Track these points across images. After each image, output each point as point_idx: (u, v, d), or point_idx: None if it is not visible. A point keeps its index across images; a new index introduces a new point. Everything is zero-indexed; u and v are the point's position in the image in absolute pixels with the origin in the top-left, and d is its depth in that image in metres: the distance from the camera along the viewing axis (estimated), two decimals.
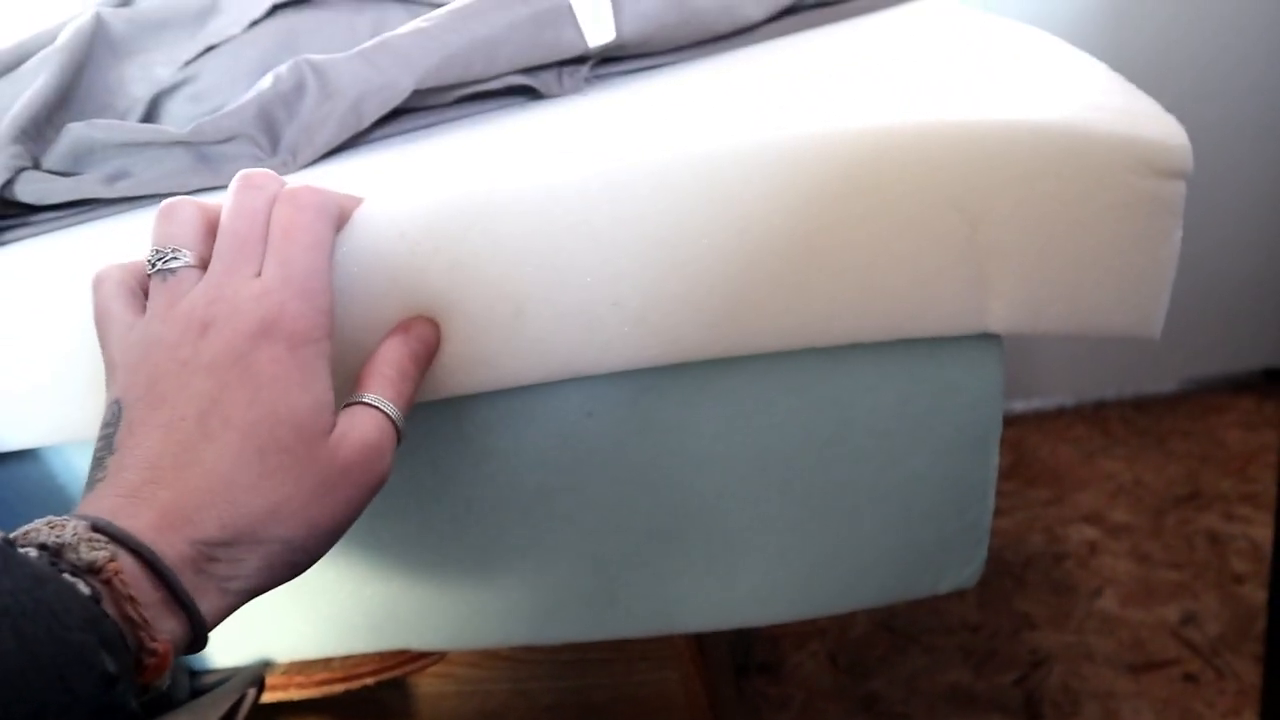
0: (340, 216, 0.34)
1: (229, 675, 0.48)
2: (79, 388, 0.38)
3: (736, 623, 0.43)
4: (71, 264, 0.39)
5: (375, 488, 0.32)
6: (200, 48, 0.52)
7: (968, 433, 0.39)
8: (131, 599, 0.26)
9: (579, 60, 0.48)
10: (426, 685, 0.52)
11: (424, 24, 0.45)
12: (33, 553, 0.25)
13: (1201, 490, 1.29)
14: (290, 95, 0.43)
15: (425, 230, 0.35)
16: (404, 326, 0.35)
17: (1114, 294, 0.36)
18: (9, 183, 0.43)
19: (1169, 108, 0.36)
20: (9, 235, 0.44)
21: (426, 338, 0.35)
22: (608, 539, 0.42)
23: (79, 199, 0.43)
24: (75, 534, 0.26)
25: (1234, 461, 1.34)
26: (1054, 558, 1.21)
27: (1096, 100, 0.36)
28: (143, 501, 0.28)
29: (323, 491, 0.30)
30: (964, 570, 0.42)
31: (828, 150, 0.33)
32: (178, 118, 0.49)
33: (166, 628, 0.27)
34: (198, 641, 0.28)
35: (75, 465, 0.43)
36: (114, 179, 0.43)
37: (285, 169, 0.43)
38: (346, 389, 0.33)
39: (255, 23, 0.53)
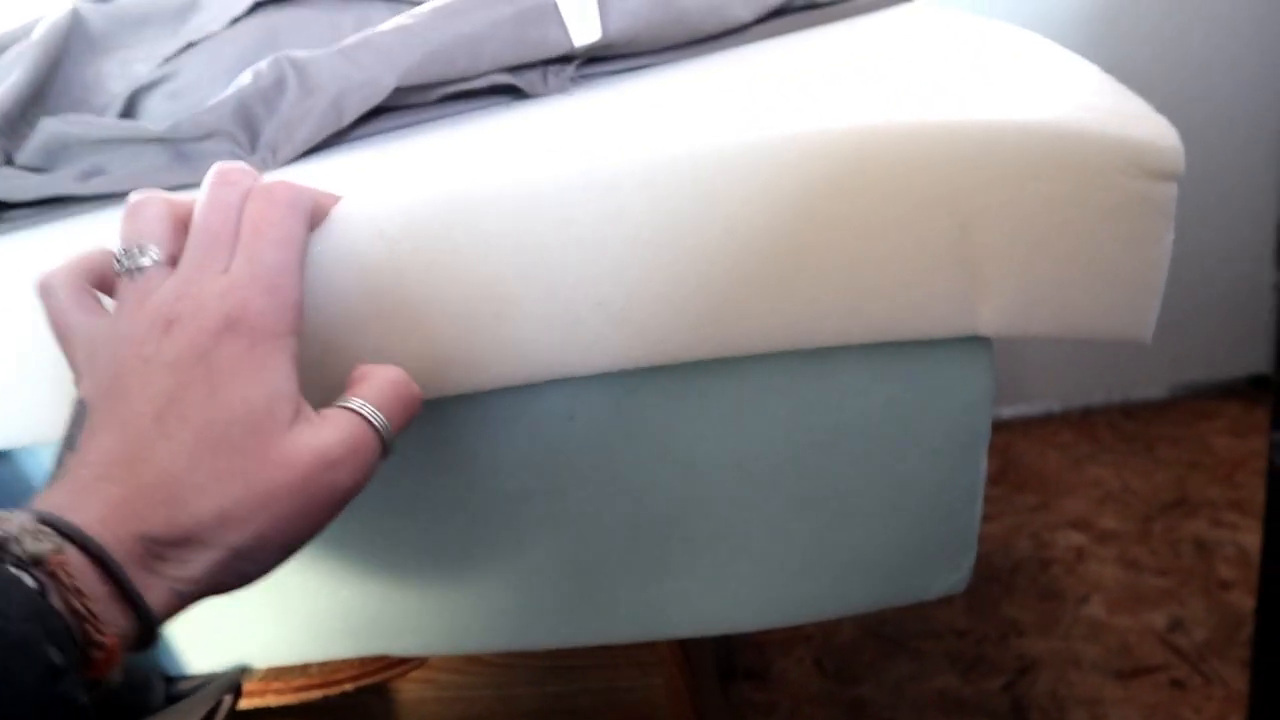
0: (316, 213, 0.33)
1: (204, 681, 0.47)
2: (51, 387, 0.37)
3: (722, 628, 0.43)
4: (43, 263, 0.39)
5: (338, 499, 0.30)
6: (180, 44, 0.51)
7: (957, 437, 0.39)
8: (78, 591, 0.25)
9: (564, 59, 0.48)
10: (407, 691, 0.51)
11: (407, 21, 0.44)
12: None
13: (1189, 497, 1.29)
14: (270, 92, 0.42)
15: (404, 229, 0.34)
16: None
17: (1105, 297, 0.35)
18: None
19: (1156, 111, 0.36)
20: None
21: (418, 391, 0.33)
22: (591, 543, 0.41)
23: (51, 196, 0.43)
24: (20, 526, 0.25)
25: (1221, 468, 1.34)
26: (1041, 564, 1.21)
27: (1087, 101, 0.35)
28: (92, 496, 0.27)
29: (270, 499, 0.28)
30: (953, 575, 0.41)
31: (815, 150, 0.33)
32: (156, 115, 0.48)
33: (114, 622, 0.26)
34: (147, 637, 0.28)
35: (49, 467, 0.43)
36: (88, 176, 0.43)
37: (264, 166, 0.42)
38: (322, 395, 0.32)
39: (236, 20, 0.52)
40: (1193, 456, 1.37)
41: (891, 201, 0.34)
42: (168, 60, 0.50)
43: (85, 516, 0.27)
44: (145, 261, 0.31)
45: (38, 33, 0.49)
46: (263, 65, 0.43)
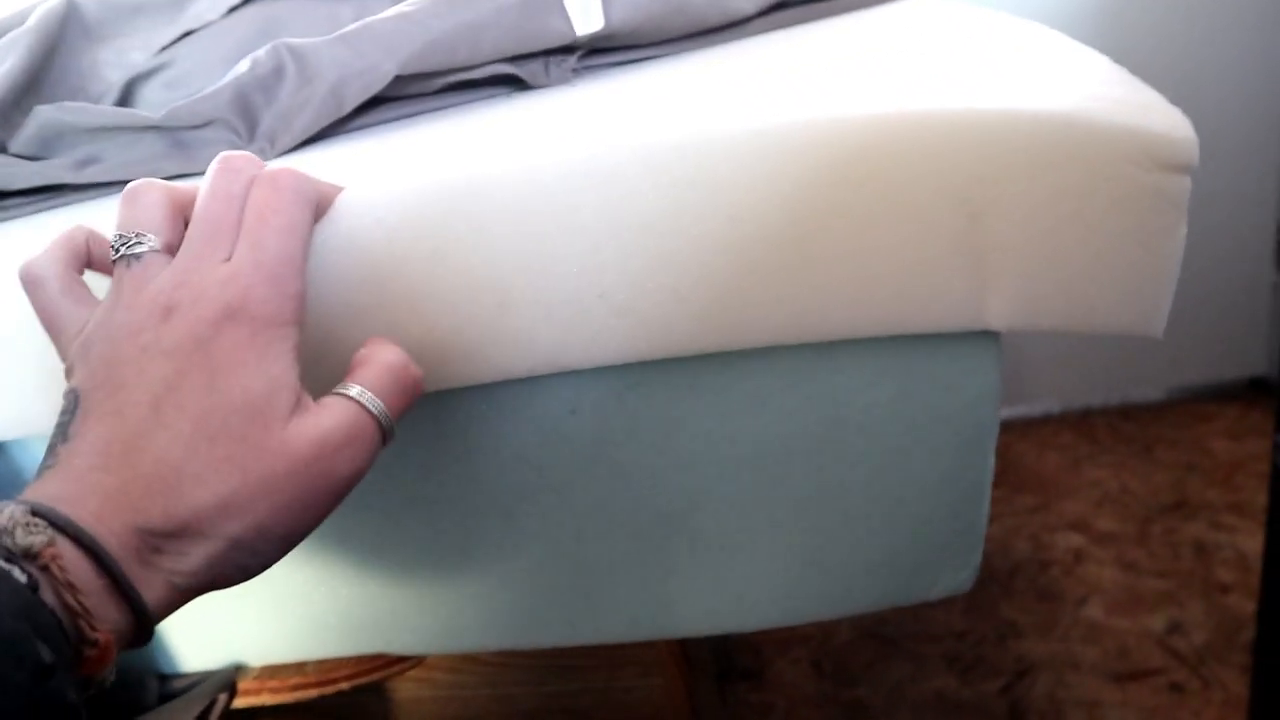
0: (320, 203, 0.33)
1: (199, 680, 0.46)
2: (44, 378, 0.37)
3: (723, 628, 0.42)
4: (37, 251, 0.38)
5: (336, 490, 0.29)
6: (177, 33, 0.50)
7: (964, 433, 0.38)
8: (71, 586, 0.24)
9: (567, 50, 0.47)
10: (404, 690, 0.51)
11: (408, 8, 0.44)
12: None
13: (1188, 499, 1.29)
14: (268, 79, 0.42)
15: (405, 217, 0.33)
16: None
17: (1116, 291, 0.35)
18: None
19: None
20: None
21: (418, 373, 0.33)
22: (591, 540, 0.40)
23: (45, 184, 0.42)
24: (12, 519, 0.24)
25: (1220, 470, 1.34)
26: (1040, 565, 1.21)
27: (1100, 91, 0.35)
28: (87, 487, 0.26)
29: (271, 489, 0.28)
30: (958, 575, 0.41)
31: (823, 138, 0.32)
32: (153, 104, 0.48)
33: (109, 618, 0.26)
34: (143, 633, 0.27)
35: (40, 459, 0.42)
36: (83, 164, 0.42)
37: (262, 155, 0.42)
38: (322, 385, 0.31)
39: (234, 8, 0.52)
40: (1191, 459, 1.37)
41: (900, 191, 0.33)
42: (164, 49, 0.50)
43: (79, 508, 0.26)
44: (142, 249, 0.30)
45: (33, 19, 0.48)
46: (261, 53, 0.42)
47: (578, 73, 0.47)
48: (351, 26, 0.43)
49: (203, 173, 0.33)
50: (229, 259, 0.30)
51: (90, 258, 0.33)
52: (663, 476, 0.39)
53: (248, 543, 0.28)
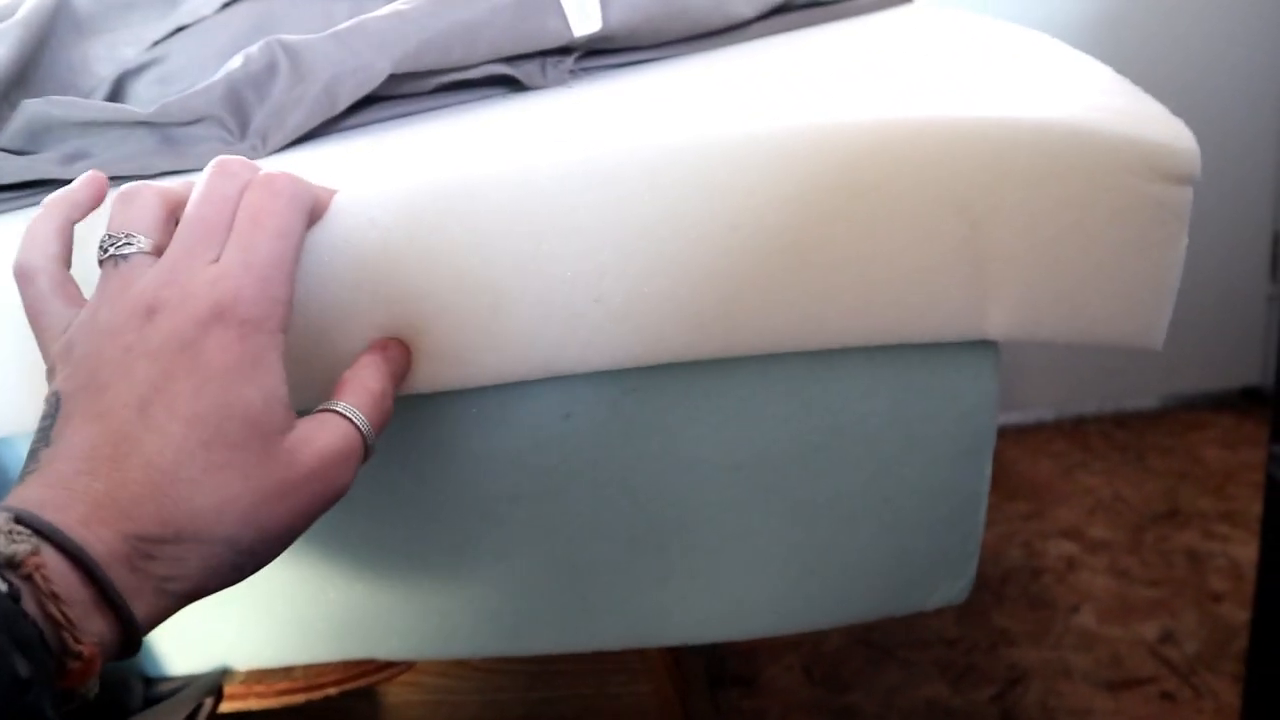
0: (314, 209, 0.32)
1: (185, 683, 0.46)
2: (32, 376, 0.36)
3: (718, 636, 0.42)
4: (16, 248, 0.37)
5: (332, 500, 0.30)
6: (170, 28, 0.50)
7: (961, 442, 0.38)
8: (54, 596, 0.24)
9: (564, 51, 0.47)
10: (393, 695, 0.50)
11: (403, 6, 0.43)
12: None
13: (1180, 507, 1.29)
14: (261, 76, 0.41)
15: (399, 218, 0.33)
16: (380, 345, 0.34)
17: (1116, 301, 0.34)
18: None
19: None
20: None
21: (400, 360, 0.34)
22: (584, 547, 0.40)
23: (33, 180, 0.41)
24: None
25: (1213, 479, 1.34)
26: (1032, 573, 1.20)
27: (1101, 101, 0.35)
28: (74, 493, 0.26)
29: (275, 496, 0.28)
30: (954, 585, 0.41)
31: (824, 144, 0.32)
32: (144, 100, 0.47)
33: (95, 629, 0.25)
34: (130, 645, 0.26)
35: (16, 457, 0.41)
36: (72, 160, 0.41)
37: (254, 153, 0.41)
38: (309, 387, 0.31)
39: (227, 4, 0.51)
40: (1184, 467, 1.37)
41: (900, 199, 0.33)
42: (156, 44, 0.49)
43: (65, 515, 0.25)
44: (130, 249, 0.30)
45: (22, 11, 0.48)
46: (254, 49, 0.42)
47: (575, 74, 0.47)
48: (346, 24, 0.42)
49: (193, 170, 0.32)
50: (217, 260, 0.29)
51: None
52: (658, 483, 0.38)
53: (246, 547, 0.28)
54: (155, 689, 0.46)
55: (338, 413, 0.30)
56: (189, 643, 0.45)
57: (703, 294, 0.33)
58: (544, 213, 0.33)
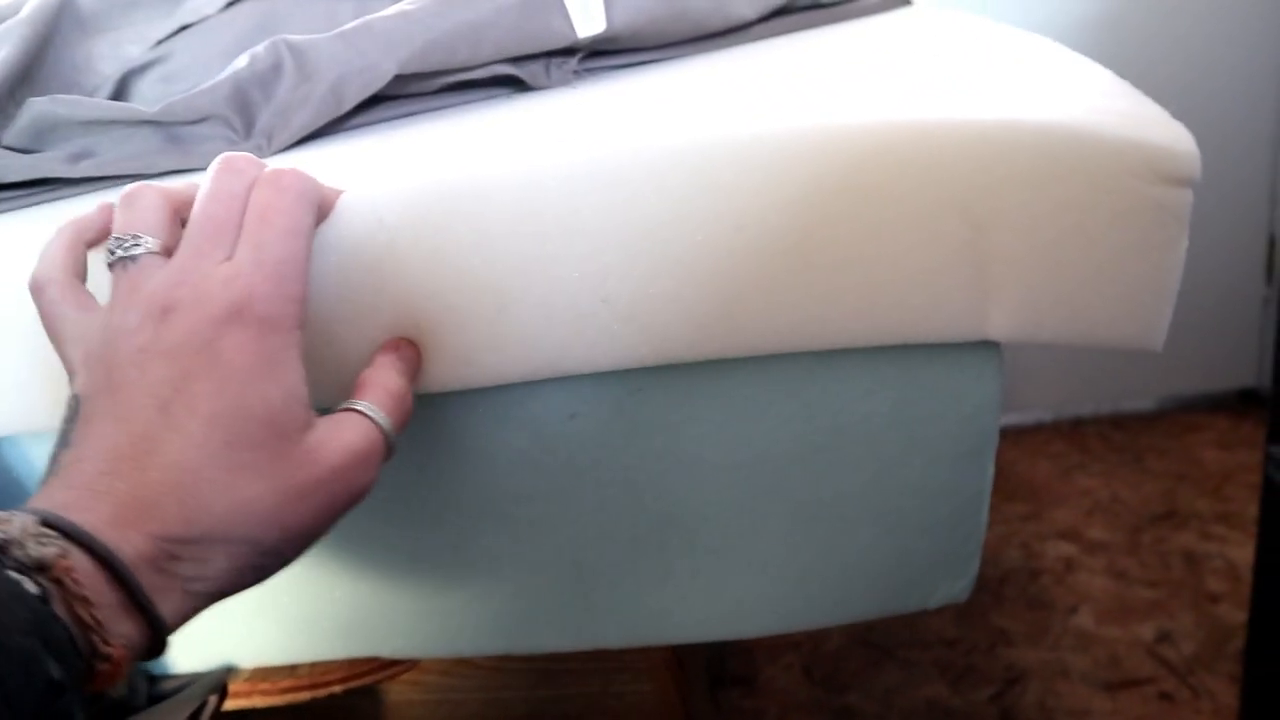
0: (322, 206, 0.32)
1: (189, 681, 0.46)
2: (36, 375, 0.36)
3: (719, 635, 0.42)
4: (28, 247, 0.37)
5: (355, 499, 0.30)
6: (174, 27, 0.50)
7: (964, 443, 0.38)
8: (84, 600, 0.24)
9: (567, 52, 0.47)
10: (396, 693, 0.50)
11: (408, 7, 0.43)
12: None
13: (1178, 509, 1.29)
14: (266, 76, 0.41)
15: (405, 218, 0.33)
16: (393, 345, 0.34)
17: (1117, 304, 0.35)
18: None
19: None
20: None
21: (414, 359, 0.34)
22: (588, 546, 0.40)
23: (38, 178, 0.41)
24: (22, 529, 0.24)
25: (1210, 481, 1.34)
26: (1031, 574, 1.21)
27: (1103, 104, 0.35)
28: (98, 495, 0.26)
29: (298, 495, 0.28)
30: (956, 584, 0.41)
31: (828, 146, 0.32)
32: (148, 98, 0.47)
33: (122, 631, 0.25)
34: (157, 647, 0.26)
35: (31, 457, 0.41)
36: (77, 158, 0.41)
37: (259, 153, 0.41)
38: (316, 386, 0.31)
39: (232, 3, 0.51)
40: (1181, 469, 1.38)
41: (903, 200, 0.33)
42: (160, 42, 0.49)
43: (92, 517, 0.25)
44: (139, 251, 0.30)
45: (26, 10, 0.48)
46: (259, 49, 0.42)
47: (579, 75, 0.47)
48: (351, 24, 0.43)
49: (198, 169, 0.32)
50: (229, 259, 0.29)
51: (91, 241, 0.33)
52: (661, 482, 0.38)
53: (272, 546, 0.28)
54: (159, 686, 0.46)
55: (359, 411, 0.30)
56: (193, 640, 0.46)
57: (707, 294, 0.33)
58: (550, 213, 0.33)
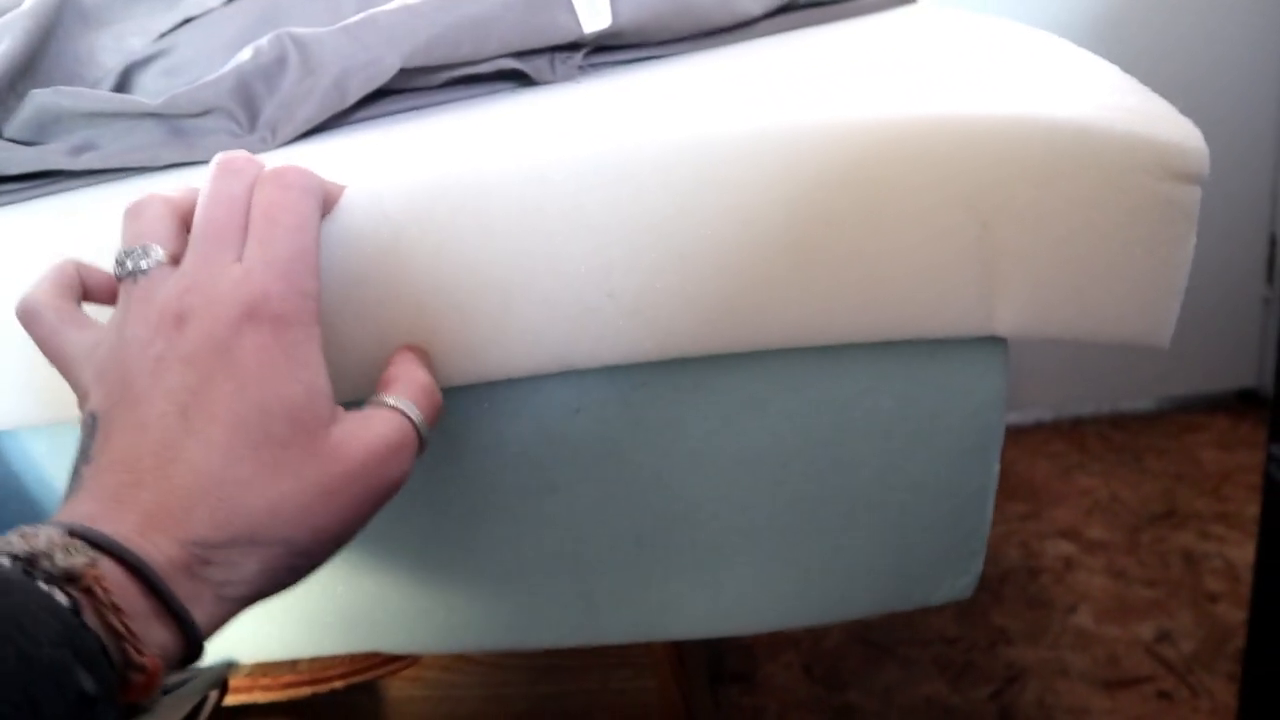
0: (325, 201, 0.32)
1: (189, 676, 0.45)
2: (37, 369, 0.36)
3: (722, 631, 0.42)
4: (29, 239, 0.37)
5: (389, 492, 0.30)
6: (177, 19, 0.50)
7: (969, 439, 0.38)
8: (116, 609, 0.23)
9: (573, 47, 0.47)
10: (397, 689, 0.50)
11: (413, 1, 0.43)
12: (3, 561, 0.23)
13: (1177, 508, 1.29)
14: (271, 69, 0.41)
15: (410, 212, 0.33)
16: (408, 347, 0.33)
17: (1125, 300, 0.35)
18: None
19: None
20: None
21: (429, 364, 0.34)
22: (591, 541, 0.40)
23: (41, 170, 0.41)
24: (49, 541, 0.23)
25: (1209, 481, 1.34)
26: (1030, 572, 1.21)
27: (1111, 100, 0.35)
28: (124, 504, 0.25)
29: (327, 491, 0.28)
30: (959, 582, 0.41)
31: (836, 141, 0.32)
32: (151, 92, 0.47)
33: (156, 640, 0.24)
34: (192, 654, 0.26)
35: (30, 452, 0.41)
36: (80, 150, 0.41)
37: (263, 146, 0.41)
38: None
39: None
40: (1180, 468, 1.38)
41: (911, 196, 0.33)
42: (164, 35, 0.49)
43: (120, 526, 0.25)
44: (148, 263, 0.29)
45: (27, 3, 0.47)
46: (263, 42, 0.42)
47: (584, 70, 0.47)
48: (355, 18, 0.42)
49: (201, 162, 0.32)
50: (238, 261, 0.29)
51: (85, 287, 0.32)
52: (665, 478, 0.38)
53: (304, 546, 0.28)
54: None
55: (388, 405, 0.30)
56: None
57: (713, 289, 0.33)
58: (554, 208, 0.33)
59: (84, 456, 0.27)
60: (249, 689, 0.46)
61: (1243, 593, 1.12)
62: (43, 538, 0.23)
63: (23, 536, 0.24)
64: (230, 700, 0.46)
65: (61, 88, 0.42)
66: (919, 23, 0.49)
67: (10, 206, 0.42)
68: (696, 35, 0.50)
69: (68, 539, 0.24)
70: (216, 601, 0.26)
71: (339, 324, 0.34)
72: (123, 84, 0.47)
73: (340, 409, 0.30)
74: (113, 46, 0.49)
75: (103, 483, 0.26)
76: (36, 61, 0.46)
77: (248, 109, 0.42)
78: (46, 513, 0.32)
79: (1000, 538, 1.27)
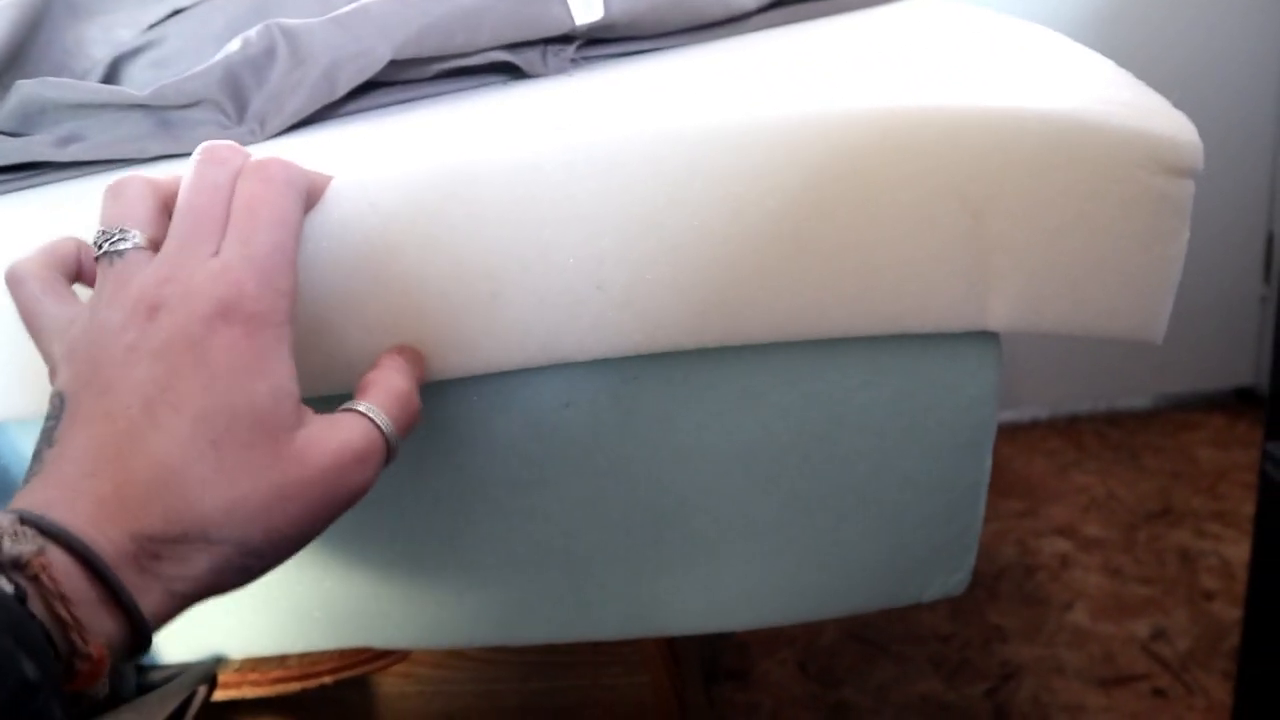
0: (310, 194, 0.32)
1: (178, 672, 0.45)
2: (26, 361, 0.36)
3: (714, 627, 0.42)
4: (15, 230, 0.37)
5: (349, 499, 0.29)
6: (166, 11, 0.49)
7: (961, 435, 0.38)
8: (62, 597, 0.23)
9: (565, 39, 0.46)
10: (388, 685, 0.50)
11: None
12: None
13: (1173, 506, 1.29)
14: (259, 60, 0.41)
15: (398, 203, 0.33)
16: (397, 349, 0.33)
17: (1117, 294, 0.34)
18: None
19: None
20: None
21: (418, 363, 0.33)
22: (582, 536, 0.40)
23: (26, 161, 0.41)
24: None
25: (1205, 479, 1.34)
26: (1026, 570, 1.21)
27: (1105, 93, 0.34)
28: (80, 494, 0.25)
29: (286, 495, 0.27)
30: (951, 578, 0.40)
31: (828, 131, 0.32)
32: (139, 83, 0.47)
33: (103, 630, 0.24)
34: (139, 645, 0.26)
35: (17, 445, 0.41)
36: (66, 141, 0.41)
37: (252, 138, 0.41)
38: (307, 376, 0.31)
39: None
40: (1177, 466, 1.38)
41: (904, 187, 0.32)
42: (152, 27, 0.49)
43: (71, 515, 0.25)
44: (125, 245, 0.29)
45: None
46: (252, 33, 0.41)
47: (576, 63, 0.47)
48: (345, 8, 0.42)
49: (189, 154, 0.32)
50: (216, 253, 0.29)
51: (81, 269, 0.32)
52: (657, 472, 0.38)
53: (257, 548, 0.27)
54: (148, 677, 0.45)
55: (357, 412, 0.30)
56: (183, 630, 0.45)
57: (704, 281, 0.33)
58: (545, 199, 0.32)
59: (47, 439, 0.27)
60: (238, 684, 0.46)
61: (1238, 591, 1.12)
62: None
63: None
64: (219, 696, 0.46)
65: (48, 78, 0.42)
66: (912, 16, 0.49)
67: None
68: (690, 29, 0.49)
69: (18, 525, 0.24)
70: (165, 595, 0.26)
71: (325, 316, 0.33)
72: (111, 75, 0.47)
73: (309, 411, 0.29)
74: (101, 38, 0.48)
75: (61, 470, 0.26)
76: (23, 53, 0.45)
77: (236, 100, 0.41)
78: None
79: (996, 535, 1.27)
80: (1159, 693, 1.01)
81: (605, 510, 0.39)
